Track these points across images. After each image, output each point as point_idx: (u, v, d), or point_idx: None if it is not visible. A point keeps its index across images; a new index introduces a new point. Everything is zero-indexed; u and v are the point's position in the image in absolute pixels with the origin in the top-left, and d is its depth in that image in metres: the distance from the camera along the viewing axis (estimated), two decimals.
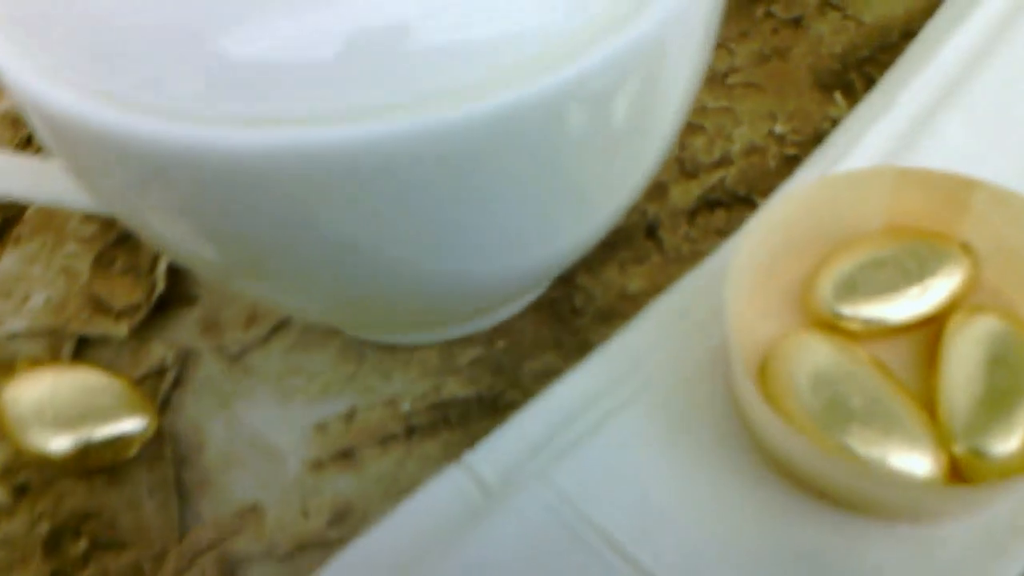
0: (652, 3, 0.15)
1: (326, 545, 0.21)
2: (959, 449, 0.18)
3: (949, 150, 0.22)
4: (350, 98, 0.14)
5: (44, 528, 0.21)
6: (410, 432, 0.22)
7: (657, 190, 0.26)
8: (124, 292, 0.24)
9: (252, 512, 0.21)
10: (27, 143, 0.29)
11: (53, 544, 0.21)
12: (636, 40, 0.15)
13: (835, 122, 0.26)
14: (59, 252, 0.25)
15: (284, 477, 0.22)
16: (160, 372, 0.23)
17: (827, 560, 0.18)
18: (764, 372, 0.20)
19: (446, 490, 0.20)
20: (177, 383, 0.23)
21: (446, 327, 0.23)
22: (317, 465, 0.22)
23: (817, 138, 0.26)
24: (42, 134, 0.17)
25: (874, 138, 0.23)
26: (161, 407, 0.23)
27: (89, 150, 0.16)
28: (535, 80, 0.14)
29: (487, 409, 0.22)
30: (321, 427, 0.22)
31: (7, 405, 0.23)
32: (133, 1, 0.15)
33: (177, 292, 0.25)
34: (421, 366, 0.23)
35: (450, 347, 0.23)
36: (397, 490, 0.21)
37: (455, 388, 0.23)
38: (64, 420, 0.23)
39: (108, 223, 0.26)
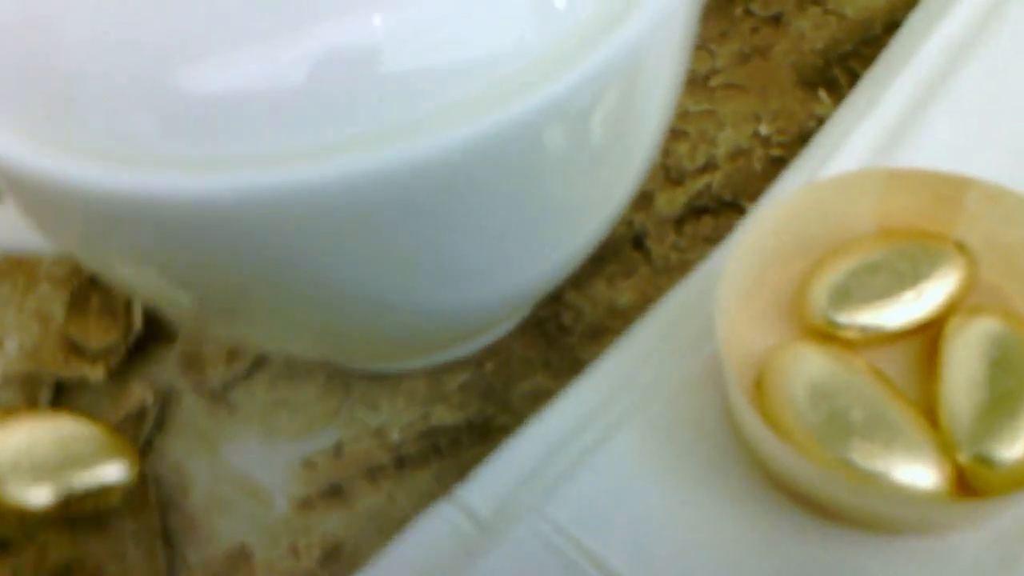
0: (630, 14, 0.15)
1: None
2: (964, 457, 0.18)
3: (937, 146, 0.22)
4: (314, 133, 0.14)
5: None
6: (400, 463, 0.22)
7: (642, 199, 0.25)
8: (100, 333, 0.23)
9: (241, 555, 0.21)
10: None
11: None
12: (615, 53, 0.14)
13: (821, 120, 0.26)
14: (31, 294, 0.24)
15: (272, 517, 0.21)
16: (141, 414, 0.23)
17: None
18: (760, 386, 0.19)
19: (439, 526, 0.19)
20: (159, 425, 0.23)
21: (432, 353, 0.22)
22: (305, 503, 0.21)
23: (803, 137, 0.25)
24: None
25: (860, 137, 0.23)
26: (143, 450, 0.22)
27: (39, 198, 0.15)
28: (511, 103, 0.14)
29: (478, 435, 0.22)
30: (308, 463, 0.22)
31: None
32: (78, 41, 0.14)
33: (155, 329, 0.24)
34: (409, 394, 0.23)
35: (438, 373, 0.23)
36: (389, 525, 0.21)
37: (444, 415, 0.22)
38: (43, 470, 0.22)
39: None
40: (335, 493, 0.21)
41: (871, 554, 0.18)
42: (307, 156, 0.14)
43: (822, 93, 0.26)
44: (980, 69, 0.23)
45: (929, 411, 0.19)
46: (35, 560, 0.21)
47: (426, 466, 0.21)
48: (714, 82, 0.27)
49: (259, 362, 0.23)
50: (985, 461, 0.18)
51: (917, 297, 0.20)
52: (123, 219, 0.14)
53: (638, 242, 0.24)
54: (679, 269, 0.24)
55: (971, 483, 0.18)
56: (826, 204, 0.20)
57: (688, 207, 0.25)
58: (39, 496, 0.21)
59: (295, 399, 0.23)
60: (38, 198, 0.15)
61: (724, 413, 0.19)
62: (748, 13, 0.28)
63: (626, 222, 0.25)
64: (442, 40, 0.14)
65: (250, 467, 0.22)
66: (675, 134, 0.26)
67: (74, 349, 0.23)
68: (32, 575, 0.21)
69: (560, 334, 0.23)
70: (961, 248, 0.20)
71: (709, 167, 0.25)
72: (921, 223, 0.20)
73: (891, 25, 0.27)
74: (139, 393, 0.23)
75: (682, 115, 0.26)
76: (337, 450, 0.22)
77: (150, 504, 0.22)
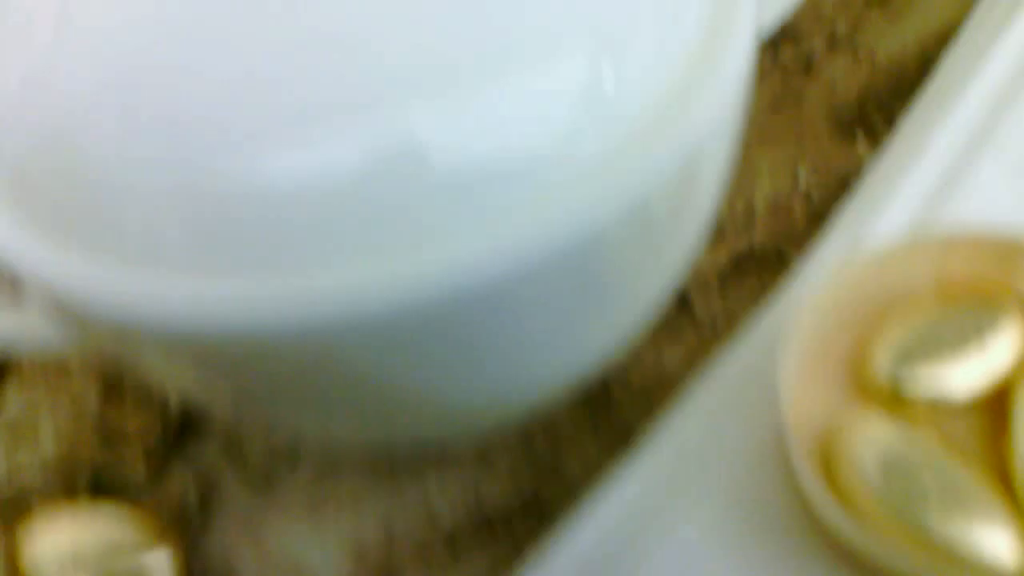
0: (692, 107, 0.14)
1: None
2: None
3: (988, 200, 0.21)
4: (360, 244, 0.13)
5: None
6: (452, 545, 0.21)
7: None
8: (138, 422, 0.23)
9: None
10: None
11: None
12: (677, 151, 0.14)
13: (860, 167, 0.25)
14: (66, 387, 0.24)
15: None
16: (182, 502, 0.22)
17: None
18: (827, 461, 0.18)
19: None
20: (202, 511, 0.22)
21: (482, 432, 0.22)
22: None
23: (844, 185, 0.25)
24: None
25: (907, 187, 0.22)
26: (186, 539, 0.22)
27: (73, 309, 0.14)
28: (571, 207, 0.13)
29: (531, 512, 0.21)
30: (357, 547, 0.21)
31: (24, 551, 0.21)
32: (112, 150, 0.14)
33: (193, 415, 0.23)
34: (457, 471, 0.22)
35: (486, 446, 0.22)
36: None
37: (495, 492, 0.22)
38: (86, 562, 0.21)
39: None
40: None
41: None
42: (355, 269, 0.13)
43: (860, 139, 0.26)
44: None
45: (1004, 477, 0.18)
46: None
47: (481, 547, 0.21)
48: (748, 133, 0.26)
49: (302, 445, 0.23)
50: None
51: (983, 355, 0.19)
52: (151, 331, 0.14)
53: (683, 302, 0.24)
54: (726, 329, 0.23)
55: None
56: (884, 272, 0.20)
57: (731, 264, 0.24)
58: None
59: (340, 480, 0.22)
60: (71, 309, 0.14)
61: (790, 489, 0.19)
62: (777, 62, 0.28)
63: None
64: (502, 136, 0.13)
65: (297, 554, 0.21)
66: None
67: (113, 439, 0.23)
68: None
69: (608, 401, 0.22)
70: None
71: (750, 221, 0.25)
72: (981, 281, 0.20)
73: (924, 64, 0.26)
74: (180, 480, 0.22)
75: None
76: (387, 532, 0.21)
77: None
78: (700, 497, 0.19)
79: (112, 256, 0.14)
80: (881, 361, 0.19)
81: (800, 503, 0.19)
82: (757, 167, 0.26)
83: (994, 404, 0.19)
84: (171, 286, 0.13)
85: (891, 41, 0.27)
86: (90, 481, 0.23)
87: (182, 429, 0.23)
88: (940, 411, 0.19)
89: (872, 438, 0.18)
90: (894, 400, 0.19)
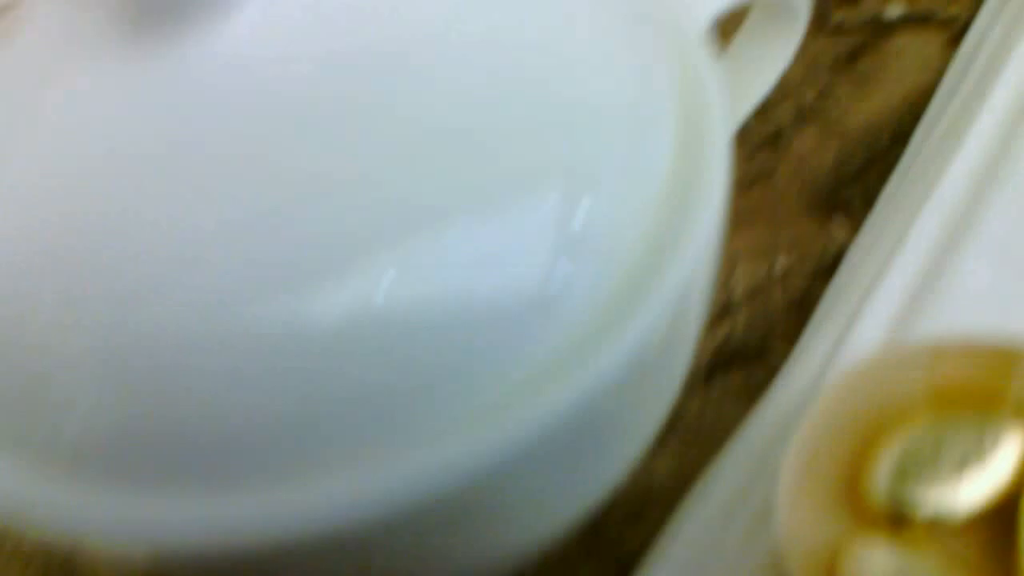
0: (666, 269, 0.14)
1: None
2: None
3: (975, 294, 0.21)
4: (313, 460, 0.12)
5: None
6: None
7: None
8: None
9: None
10: None
11: None
12: (664, 303, 0.13)
13: (840, 247, 0.24)
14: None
15: None
16: None
17: None
18: None
19: None
20: None
21: None
22: None
23: (824, 267, 0.24)
24: None
25: (888, 282, 0.21)
26: None
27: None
28: (569, 385, 0.13)
29: None
30: None
31: None
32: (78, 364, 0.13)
33: None
34: None
35: None
36: None
37: None
38: None
39: None
40: None
41: None
42: (363, 469, 0.12)
43: (837, 219, 0.25)
44: (1011, 198, 0.22)
45: None
46: None
47: None
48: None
49: None
50: None
51: (983, 468, 0.18)
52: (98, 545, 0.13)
53: None
54: (714, 431, 0.22)
55: None
56: (875, 384, 0.19)
57: (714, 360, 0.23)
58: None
59: None
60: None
61: None
62: (744, 135, 0.27)
63: None
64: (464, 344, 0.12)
65: None
66: None
67: None
68: None
69: (598, 524, 0.21)
70: (1021, 410, 0.19)
71: (729, 310, 0.24)
72: (976, 388, 0.19)
73: (898, 135, 0.26)
74: None
75: None
76: None
77: None
78: None
79: (52, 466, 0.13)
80: (878, 480, 0.18)
81: None
82: (733, 252, 0.25)
83: (998, 517, 0.19)
84: (116, 501, 0.13)
85: (861, 110, 0.27)
86: None
87: None
88: (942, 529, 0.18)
89: (872, 562, 0.17)
90: (894, 520, 0.18)
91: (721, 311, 0.24)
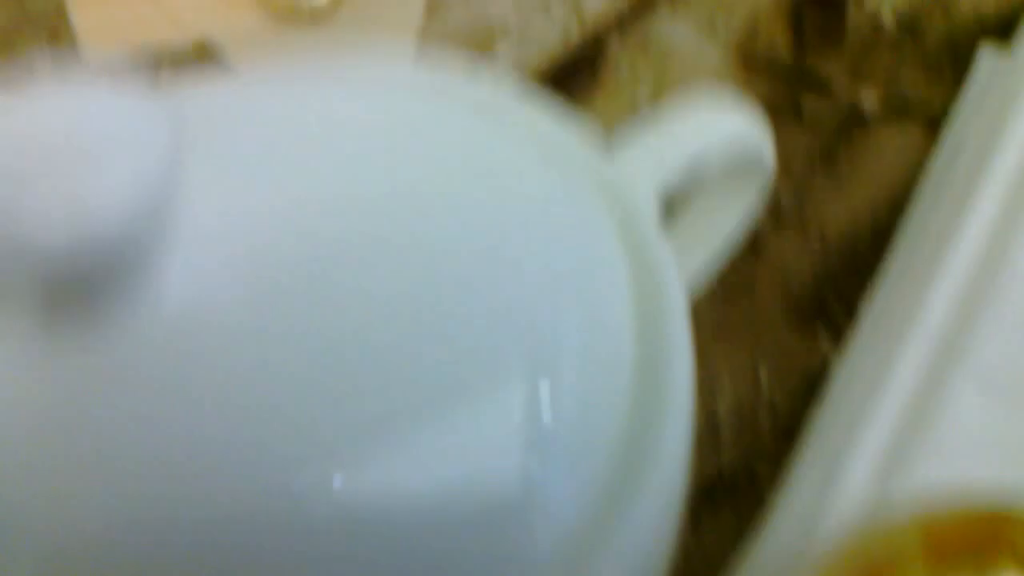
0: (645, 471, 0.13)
1: None
2: None
3: (968, 431, 0.20)
4: None
5: None
6: None
7: None
8: None
9: None
10: None
11: None
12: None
13: (823, 362, 0.24)
14: None
15: None
16: None
17: None
18: None
19: None
20: None
21: None
22: None
23: (808, 389, 0.23)
24: None
25: (878, 414, 0.21)
26: None
27: None
28: None
29: None
30: None
31: None
32: None
33: None
34: None
35: None
36: None
37: None
38: None
39: None
40: None
41: None
42: None
43: (820, 332, 0.24)
44: (1004, 323, 0.21)
45: None
46: None
47: None
48: (701, 331, 0.25)
49: None
50: None
51: None
52: None
53: None
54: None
55: None
56: (868, 549, 0.18)
57: (702, 494, 0.23)
58: None
59: None
60: None
61: None
62: None
63: None
64: None
65: None
66: None
67: None
68: None
69: None
70: (1018, 556, 0.18)
71: (714, 438, 0.23)
72: (972, 547, 0.18)
73: (878, 242, 0.25)
74: None
75: None
76: None
77: None
78: None
79: None
80: None
81: None
82: (716, 370, 0.24)
83: None
84: None
85: (840, 212, 0.26)
86: None
87: None
88: None
89: None
90: None
91: (708, 440, 0.23)
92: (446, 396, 0.13)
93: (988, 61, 0.27)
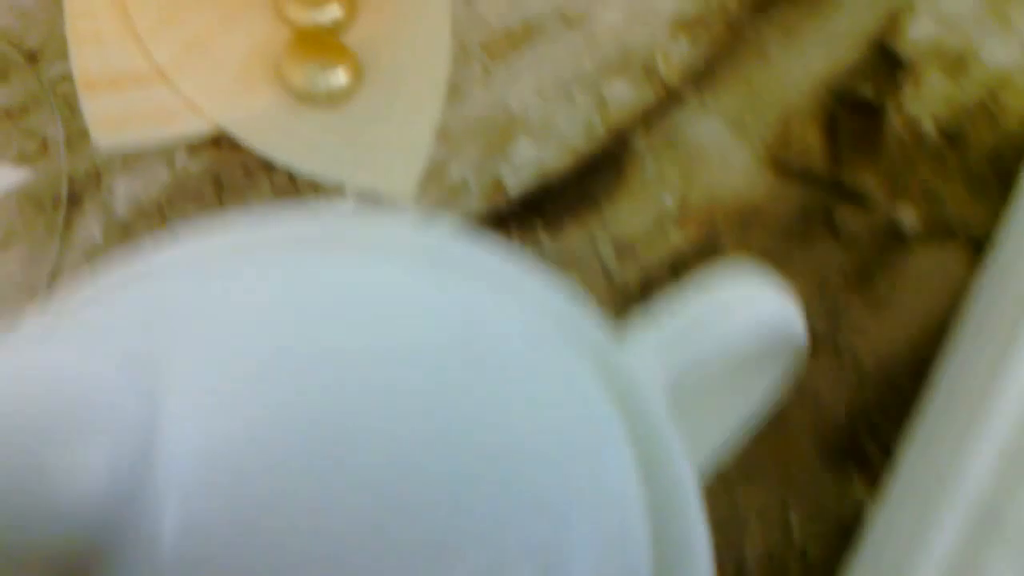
0: None
1: None
2: None
3: None
4: None
5: None
6: None
7: None
8: None
9: None
10: None
11: None
12: None
13: (856, 507, 0.22)
14: None
15: None
16: None
17: None
18: None
19: None
20: None
21: None
22: None
23: (840, 529, 0.22)
24: None
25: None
26: None
27: None
28: None
29: None
30: None
31: None
32: None
33: None
34: None
35: None
36: None
37: None
38: None
39: None
40: None
41: None
42: None
43: (854, 475, 0.23)
44: None
45: None
46: None
47: None
48: (731, 472, 0.24)
49: None
50: None
51: None
52: None
53: None
54: None
55: None
56: None
57: None
58: None
59: None
60: None
61: None
62: None
63: None
64: None
65: None
66: None
67: None
68: None
69: None
70: None
71: None
72: None
73: (917, 373, 0.24)
74: None
75: None
76: None
77: None
78: None
79: None
80: None
81: None
82: (744, 514, 0.23)
83: None
84: None
85: (877, 338, 0.24)
86: None
87: None
88: None
89: None
90: None
91: None
92: None
93: None
